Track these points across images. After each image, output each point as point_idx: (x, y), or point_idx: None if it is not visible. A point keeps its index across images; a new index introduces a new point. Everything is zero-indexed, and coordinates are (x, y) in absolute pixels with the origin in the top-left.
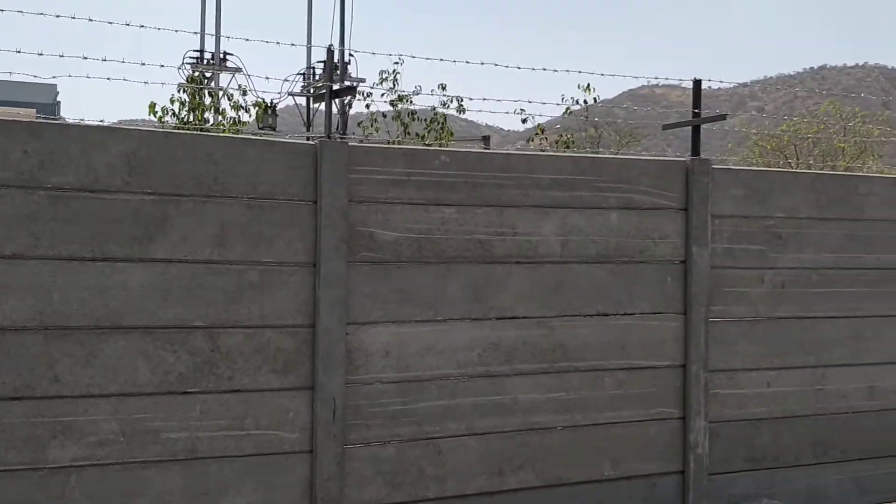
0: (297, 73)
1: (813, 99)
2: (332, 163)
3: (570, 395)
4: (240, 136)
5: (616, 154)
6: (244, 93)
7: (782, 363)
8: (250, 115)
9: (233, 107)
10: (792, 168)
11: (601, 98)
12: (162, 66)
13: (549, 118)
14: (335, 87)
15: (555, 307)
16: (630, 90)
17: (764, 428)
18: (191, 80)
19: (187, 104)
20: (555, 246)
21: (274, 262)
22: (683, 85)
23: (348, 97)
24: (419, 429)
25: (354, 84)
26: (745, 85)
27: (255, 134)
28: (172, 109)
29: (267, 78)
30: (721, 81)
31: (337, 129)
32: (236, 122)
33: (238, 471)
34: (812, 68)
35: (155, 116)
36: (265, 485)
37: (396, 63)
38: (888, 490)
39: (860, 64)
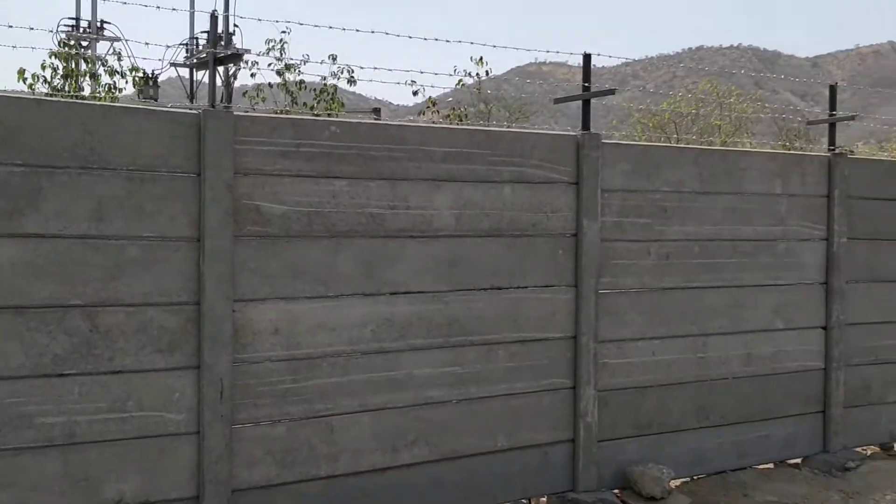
0: (180, 44)
1: (691, 78)
2: (216, 133)
3: (465, 369)
4: (118, 104)
5: (512, 129)
6: (119, 57)
7: (667, 332)
8: (126, 82)
9: (107, 72)
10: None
11: (491, 73)
12: (32, 28)
13: (442, 92)
14: (219, 54)
15: (449, 281)
16: (518, 66)
17: (650, 395)
18: (64, 45)
19: (60, 70)
20: (449, 220)
21: (156, 236)
22: (570, 63)
23: (234, 68)
24: (310, 407)
25: (239, 51)
26: (627, 63)
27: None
28: (44, 76)
29: (146, 44)
30: (610, 56)
31: (222, 100)
32: (111, 88)
33: (120, 455)
34: (690, 48)
35: (25, 83)
36: (150, 468)
37: (284, 32)
38: (764, 452)
39: (734, 45)
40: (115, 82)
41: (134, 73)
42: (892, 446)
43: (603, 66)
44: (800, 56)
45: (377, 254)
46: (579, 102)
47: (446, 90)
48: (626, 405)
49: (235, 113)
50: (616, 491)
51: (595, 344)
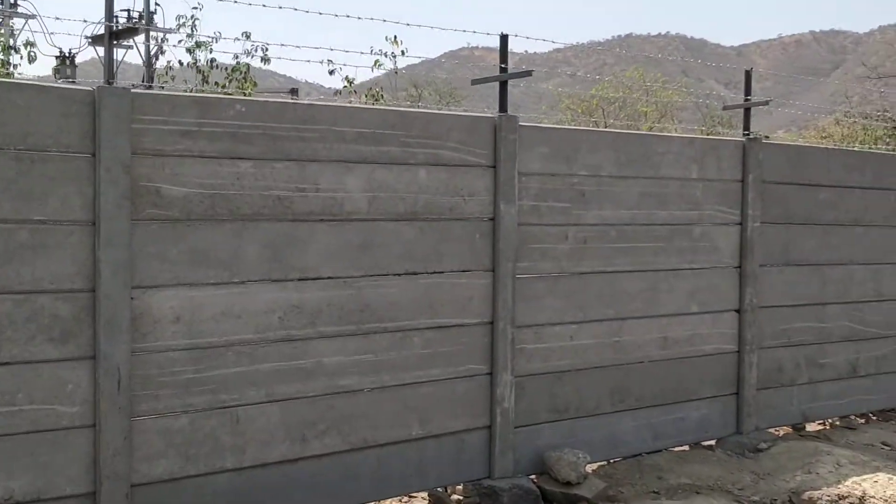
0: (99, 21)
1: (620, 65)
2: (111, 111)
3: (378, 357)
4: (6, 80)
5: (427, 110)
6: (12, 33)
7: (584, 317)
8: (22, 57)
9: (1, 48)
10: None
11: (423, 57)
12: None
13: (372, 76)
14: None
15: (361, 266)
16: (450, 51)
17: (567, 380)
18: None
19: None
20: (361, 203)
21: (47, 220)
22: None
23: (155, 47)
24: (215, 397)
25: (136, 25)
26: (558, 50)
27: (26, 79)
28: None
29: (57, 18)
30: (527, 38)
31: (143, 80)
32: (3, 64)
33: (10, 451)
34: (620, 36)
35: None
36: (41, 464)
37: (195, 8)
38: (679, 435)
39: (663, 33)
40: (8, 58)
41: (29, 47)
42: (803, 427)
43: (535, 52)
44: (725, 45)
45: (285, 238)
46: (515, 86)
47: (379, 75)
48: (543, 390)
49: (133, 90)
50: (533, 476)
51: (512, 329)
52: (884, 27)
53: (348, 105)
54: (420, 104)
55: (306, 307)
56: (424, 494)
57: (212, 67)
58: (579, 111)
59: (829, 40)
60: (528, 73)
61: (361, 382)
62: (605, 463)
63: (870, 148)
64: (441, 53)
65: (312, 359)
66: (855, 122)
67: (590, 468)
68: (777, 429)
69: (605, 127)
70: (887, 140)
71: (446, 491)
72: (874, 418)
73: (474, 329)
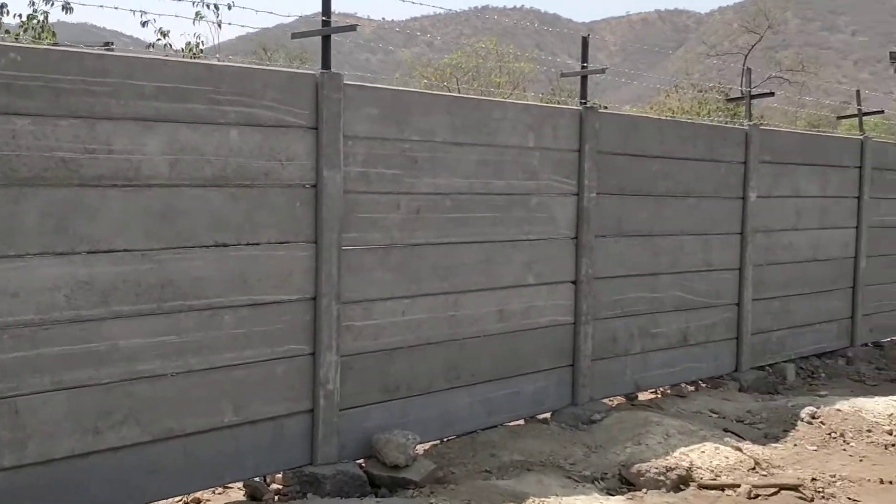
0: None
1: (477, 37)
2: None
3: (184, 338)
4: None
5: (239, 64)
6: None
7: (418, 290)
8: None
9: None
10: None
11: (278, 22)
12: None
13: (224, 40)
14: None
15: (163, 238)
16: (306, 16)
17: (398, 357)
18: None
19: None
20: (161, 167)
21: None
22: (359, 14)
23: None
24: None
25: None
26: (415, 18)
27: None
28: None
29: None
30: None
31: None
32: None
33: None
34: (477, 7)
35: None
36: None
37: None
38: (515, 409)
39: (518, 6)
40: None
41: None
42: (636, 396)
43: (392, 20)
44: (577, 20)
45: (71, 206)
46: (373, 54)
47: (232, 38)
48: (372, 370)
49: None
50: (361, 461)
51: (338, 305)
52: (723, 7)
53: (146, 56)
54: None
55: (97, 284)
56: (241, 485)
57: (1, 13)
58: (433, 79)
59: (674, 19)
60: (352, 28)
61: (165, 367)
62: (438, 442)
63: (703, 120)
64: (296, 18)
65: (106, 342)
66: (693, 96)
67: (422, 448)
68: (611, 399)
69: None
70: (720, 113)
71: (265, 480)
72: (704, 385)
73: (295, 306)
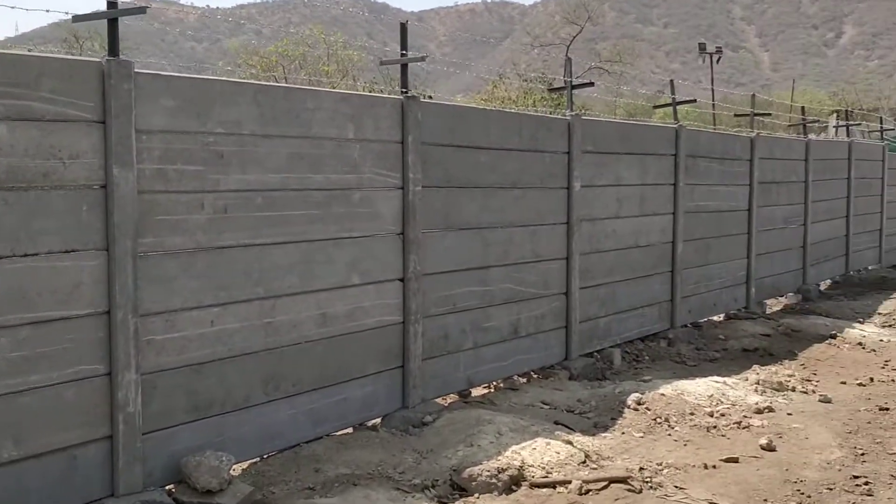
0: None
1: (306, 25)
2: None
3: None
4: None
5: (7, 51)
6: None
7: (228, 297)
8: None
9: None
10: None
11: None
12: None
13: (37, 26)
14: None
15: None
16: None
17: (209, 372)
18: None
19: None
20: None
21: None
22: (182, 2)
23: None
24: None
25: None
26: (242, 6)
27: None
28: None
29: None
30: None
31: None
32: None
33: None
34: None
35: None
36: None
37: None
38: (342, 417)
39: None
40: None
41: None
42: (469, 392)
43: (218, 7)
44: (406, 10)
45: None
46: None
47: (43, 25)
48: (179, 387)
49: None
50: (171, 487)
51: (136, 319)
52: (546, 0)
53: None
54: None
55: None
56: None
57: None
58: (259, 68)
59: (500, 10)
60: (142, 10)
61: None
62: (258, 459)
63: (529, 111)
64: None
65: None
66: (520, 86)
67: (240, 468)
68: (445, 397)
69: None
70: (545, 103)
71: None
72: (535, 376)
73: (85, 322)
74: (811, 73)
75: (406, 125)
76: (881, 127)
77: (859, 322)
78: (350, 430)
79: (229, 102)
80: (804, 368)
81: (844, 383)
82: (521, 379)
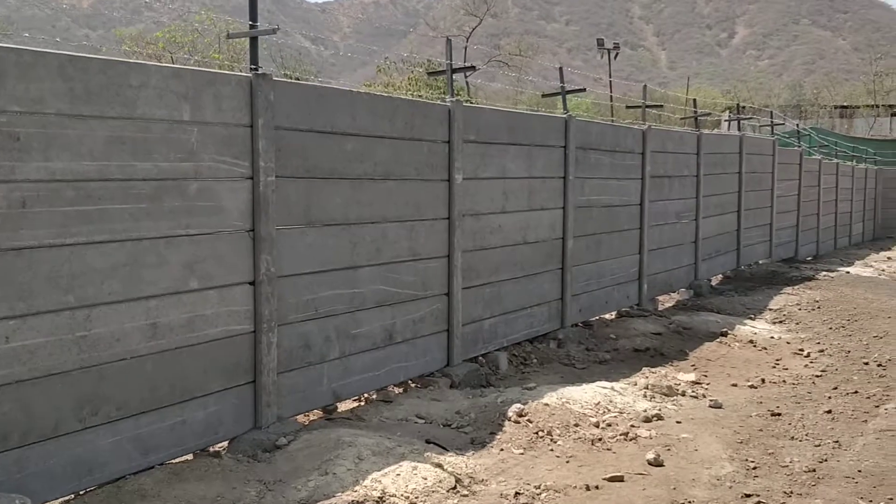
0: None
1: (207, 14)
2: None
3: None
4: None
5: None
6: None
7: (29, 308)
8: None
9: None
10: None
11: None
12: None
13: None
14: None
15: None
16: None
17: (6, 396)
18: None
19: None
20: None
21: None
22: None
23: None
24: None
25: None
26: None
27: None
28: None
29: None
30: None
31: None
32: None
33: None
34: None
35: None
36: None
37: None
38: (178, 443)
39: None
40: None
41: None
42: (336, 407)
43: None
44: (310, 1)
45: None
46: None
47: None
48: None
49: None
50: None
51: None
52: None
53: None
54: None
55: None
56: None
57: None
58: (144, 54)
59: (404, 3)
60: None
61: None
62: (72, 496)
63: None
64: None
65: None
66: (412, 74)
67: None
68: (307, 414)
69: None
70: (434, 90)
71: None
72: (414, 385)
73: None
74: (705, 72)
75: (255, 107)
76: (771, 122)
77: (750, 318)
78: (190, 456)
79: (28, 76)
80: (695, 370)
81: (735, 385)
82: (397, 389)
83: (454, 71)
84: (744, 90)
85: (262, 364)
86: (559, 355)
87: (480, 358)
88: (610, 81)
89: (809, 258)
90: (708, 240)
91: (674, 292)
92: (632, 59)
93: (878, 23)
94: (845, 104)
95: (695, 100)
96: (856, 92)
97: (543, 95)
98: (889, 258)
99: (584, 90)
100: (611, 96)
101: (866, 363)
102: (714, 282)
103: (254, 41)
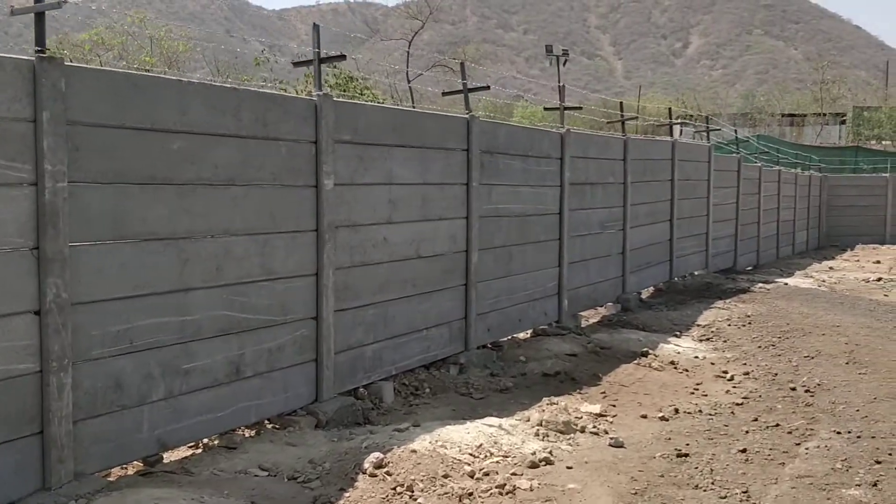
0: None
1: (161, 20)
2: None
3: None
4: None
5: None
6: None
7: None
8: None
9: None
10: None
11: None
12: None
13: None
14: None
15: None
16: None
17: None
18: None
19: None
20: None
21: None
22: None
23: None
24: None
25: None
26: (93, 0)
27: None
28: None
29: None
30: None
31: None
32: None
33: None
34: None
35: None
36: None
37: None
38: None
39: None
40: None
41: None
42: (160, 458)
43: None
44: (267, 8)
45: None
46: None
47: None
48: None
49: None
50: None
51: None
52: (407, 2)
53: None
54: None
55: None
56: None
57: None
58: (72, 57)
59: (363, 11)
60: None
61: None
62: None
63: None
64: None
65: None
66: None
67: None
68: (125, 467)
69: None
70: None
71: None
72: (270, 426)
73: None
74: (660, 82)
75: (40, 97)
76: (707, 127)
77: (676, 336)
78: None
79: None
80: (604, 397)
81: (645, 417)
82: (248, 432)
83: (322, 61)
84: (698, 99)
85: (51, 411)
86: (457, 383)
87: (361, 390)
88: (559, 87)
89: (749, 268)
90: (637, 251)
91: (600, 307)
92: (588, 68)
93: (829, 33)
94: (793, 112)
95: (621, 103)
96: (804, 101)
97: (444, 94)
98: (831, 268)
99: (488, 87)
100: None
101: (793, 388)
102: (645, 295)
103: (39, 17)
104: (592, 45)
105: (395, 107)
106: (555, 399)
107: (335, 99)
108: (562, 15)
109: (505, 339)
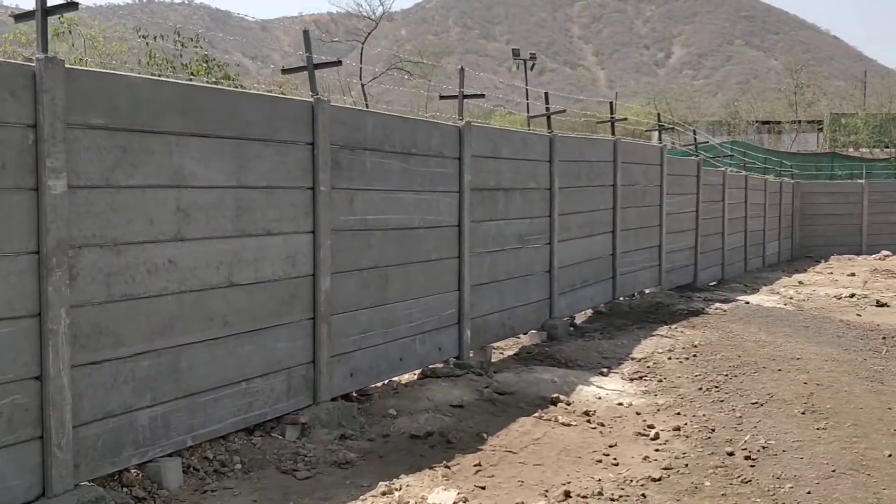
0: None
1: (143, 32)
2: None
3: None
4: None
5: None
6: None
7: None
8: None
9: None
10: None
11: None
12: None
13: None
14: None
15: None
16: None
17: None
18: None
19: None
20: None
21: None
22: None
23: None
24: None
25: None
26: (75, 13)
27: None
28: None
29: None
30: None
31: None
32: None
33: None
34: (142, 2)
35: None
36: None
37: None
38: None
39: (186, 2)
40: None
41: None
42: None
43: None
44: (250, 19)
45: None
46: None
47: None
48: None
49: None
50: None
51: None
52: (389, 13)
53: None
54: None
55: None
56: None
57: None
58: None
59: (346, 22)
60: None
61: None
62: None
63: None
64: None
65: None
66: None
67: None
68: None
69: None
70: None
71: None
72: None
73: None
74: (643, 91)
75: None
76: (659, 127)
77: (602, 374)
78: None
79: None
80: (477, 472)
81: None
82: None
83: (316, 67)
84: (677, 107)
85: None
86: (284, 455)
87: (132, 472)
88: (526, 90)
89: (713, 283)
90: (568, 268)
91: (523, 335)
92: (571, 78)
93: (808, 44)
94: (768, 119)
95: (611, 103)
96: (779, 107)
97: (441, 97)
98: (801, 283)
99: (483, 96)
100: (527, 114)
101: (730, 453)
102: (580, 319)
103: None
104: (575, 54)
105: (187, 82)
106: (398, 482)
107: (70, 66)
108: (545, 25)
109: (379, 384)
